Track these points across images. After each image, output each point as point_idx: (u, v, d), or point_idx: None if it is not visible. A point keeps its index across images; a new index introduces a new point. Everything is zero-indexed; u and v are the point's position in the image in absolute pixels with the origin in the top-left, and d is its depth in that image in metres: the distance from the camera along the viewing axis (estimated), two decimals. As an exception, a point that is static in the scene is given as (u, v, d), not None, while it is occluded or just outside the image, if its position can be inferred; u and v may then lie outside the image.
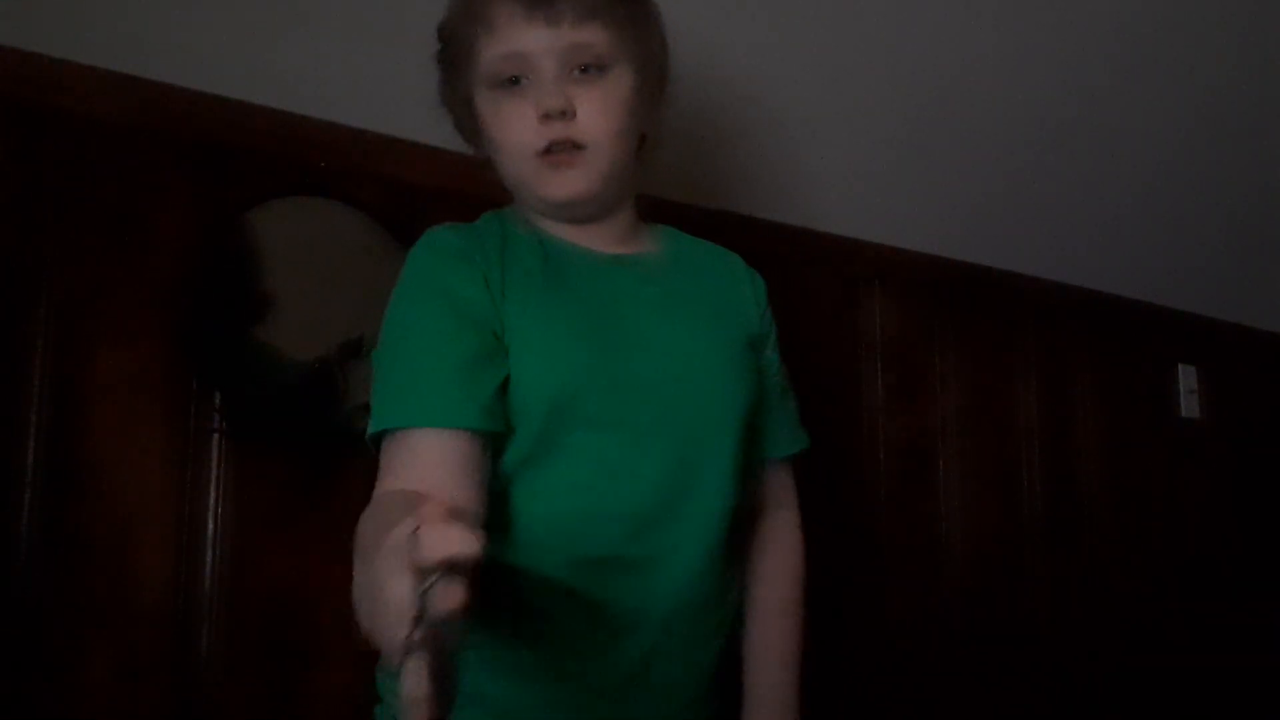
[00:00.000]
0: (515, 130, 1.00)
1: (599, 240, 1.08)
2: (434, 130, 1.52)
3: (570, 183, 1.01)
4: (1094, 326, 2.28)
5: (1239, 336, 2.54)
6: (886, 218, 1.94)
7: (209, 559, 1.32)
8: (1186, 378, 2.42)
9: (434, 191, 1.53)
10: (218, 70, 1.35)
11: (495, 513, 0.95)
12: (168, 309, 1.33)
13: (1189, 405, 2.42)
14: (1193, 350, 2.45)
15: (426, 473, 0.88)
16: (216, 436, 1.34)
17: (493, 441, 0.95)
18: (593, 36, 0.98)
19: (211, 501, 1.33)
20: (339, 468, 1.41)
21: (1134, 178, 2.05)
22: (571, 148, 0.99)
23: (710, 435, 1.03)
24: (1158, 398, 2.39)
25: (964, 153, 1.89)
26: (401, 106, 1.48)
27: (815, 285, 1.91)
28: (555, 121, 0.98)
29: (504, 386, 0.95)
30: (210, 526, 1.32)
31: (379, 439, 0.94)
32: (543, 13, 0.96)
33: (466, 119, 1.07)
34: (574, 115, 0.98)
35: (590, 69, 0.99)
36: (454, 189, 1.55)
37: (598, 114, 0.99)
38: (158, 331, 1.32)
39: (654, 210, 1.72)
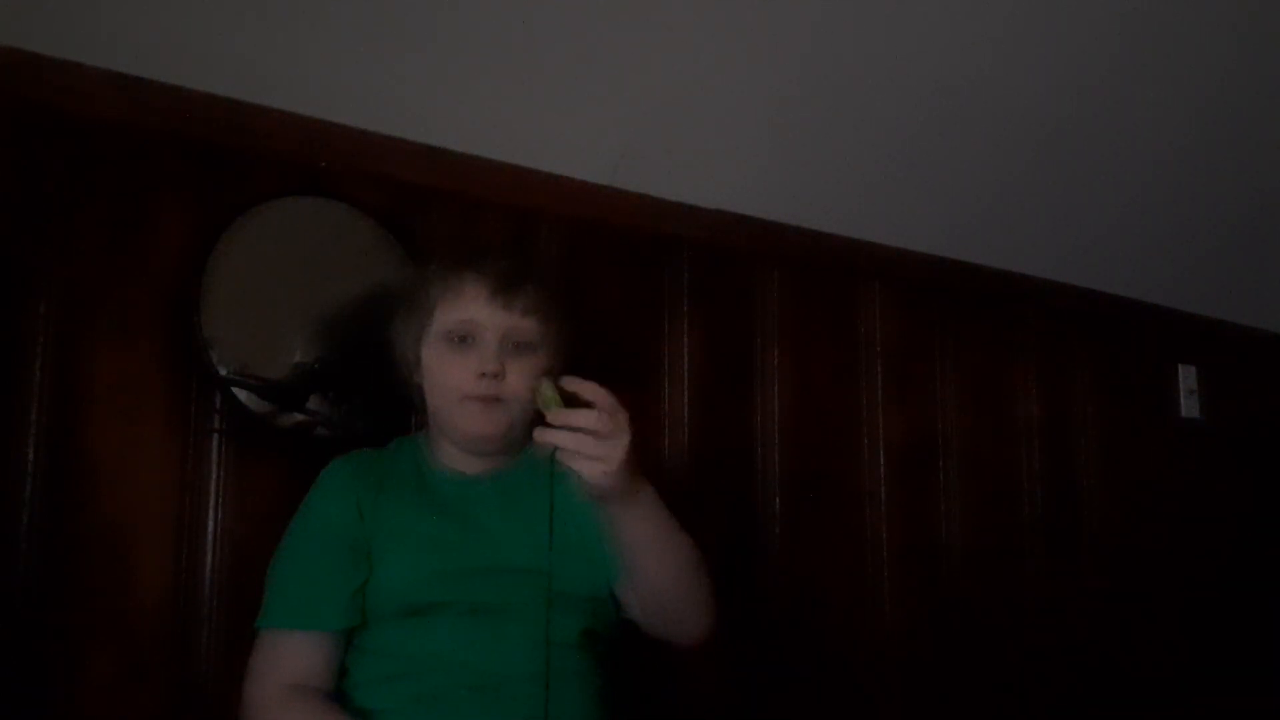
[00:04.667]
0: (455, 377, 1.26)
1: (472, 464, 1.32)
2: (434, 130, 1.53)
3: (488, 424, 1.26)
4: (1094, 326, 2.28)
5: (1239, 336, 2.54)
6: (886, 218, 1.93)
7: (209, 559, 1.32)
8: (1186, 378, 2.42)
9: (434, 191, 1.54)
10: (218, 70, 1.35)
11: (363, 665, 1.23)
12: (168, 309, 1.33)
13: (1189, 405, 2.42)
14: (1193, 350, 2.45)
15: (296, 666, 1.19)
16: (216, 436, 1.34)
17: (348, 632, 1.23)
18: (530, 325, 1.27)
19: (211, 501, 1.33)
20: (339, 468, 1.41)
21: (1134, 178, 2.05)
22: (495, 400, 1.25)
23: (542, 614, 1.22)
24: (1158, 398, 2.39)
25: (964, 153, 1.89)
26: (401, 106, 1.49)
27: (815, 285, 1.91)
28: (488, 380, 1.24)
29: (361, 591, 1.22)
30: (210, 526, 1.32)
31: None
32: (501, 299, 1.26)
33: (410, 352, 1.31)
34: (504, 377, 1.25)
35: (522, 346, 1.27)
36: (453, 189, 1.56)
37: (520, 378, 1.25)
38: (158, 331, 1.32)
39: (660, 211, 1.73)
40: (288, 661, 1.19)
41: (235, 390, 1.34)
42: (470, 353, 1.25)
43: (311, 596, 1.22)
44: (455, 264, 1.31)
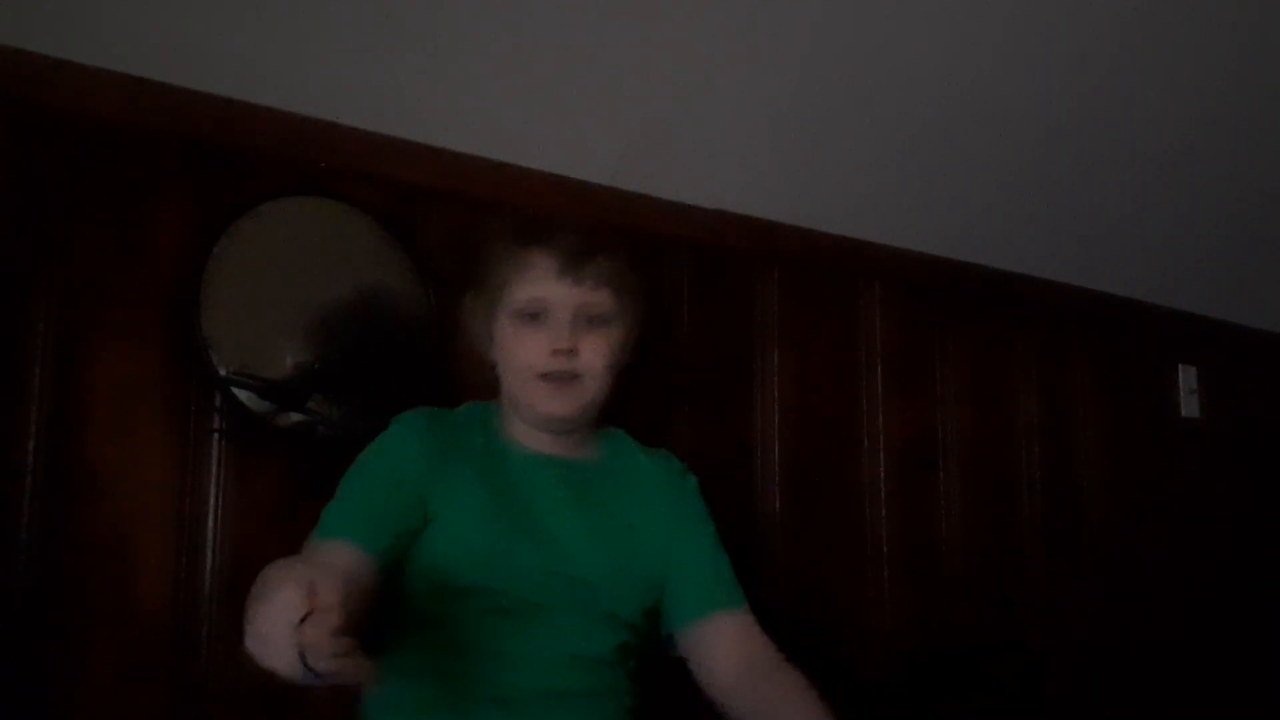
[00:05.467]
0: (527, 354, 1.24)
1: (544, 443, 1.30)
2: (434, 130, 1.53)
3: (563, 404, 1.25)
4: (1094, 326, 2.28)
5: (1239, 336, 2.54)
6: (886, 218, 1.93)
7: (209, 559, 1.32)
8: (1186, 378, 2.42)
9: (434, 191, 1.54)
10: (218, 70, 1.35)
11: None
12: (168, 309, 1.33)
13: (1189, 405, 2.42)
14: (1193, 350, 2.45)
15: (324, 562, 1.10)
16: (216, 436, 1.34)
17: (381, 575, 1.16)
18: (603, 298, 1.26)
19: (211, 501, 1.33)
20: (339, 468, 1.41)
21: (1134, 177, 2.05)
22: (571, 377, 1.24)
23: (582, 625, 1.22)
24: (1158, 398, 2.39)
25: (964, 153, 1.89)
26: (401, 106, 1.49)
27: (815, 285, 1.91)
28: (561, 356, 1.23)
29: (408, 535, 1.19)
30: (210, 526, 1.32)
31: None
32: (571, 275, 1.24)
33: (484, 330, 1.30)
34: (578, 353, 1.24)
35: (595, 320, 1.25)
36: (453, 189, 1.56)
37: (595, 355, 1.25)
38: (158, 331, 1.32)
39: (660, 211, 1.73)
40: (315, 556, 1.13)
41: (235, 390, 1.34)
42: (542, 329, 1.24)
43: (361, 513, 1.19)
44: (524, 239, 1.28)
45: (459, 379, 1.51)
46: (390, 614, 1.20)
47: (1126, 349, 2.34)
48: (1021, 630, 2.05)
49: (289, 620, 0.81)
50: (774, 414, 1.82)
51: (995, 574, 2.04)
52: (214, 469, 1.33)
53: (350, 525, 1.17)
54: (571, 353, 1.23)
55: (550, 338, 1.23)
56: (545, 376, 1.24)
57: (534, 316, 1.25)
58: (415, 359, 1.48)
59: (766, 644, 1.30)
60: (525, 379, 1.25)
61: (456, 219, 1.56)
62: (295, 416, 1.38)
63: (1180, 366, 2.42)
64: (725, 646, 1.29)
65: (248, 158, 1.40)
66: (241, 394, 1.34)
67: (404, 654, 1.19)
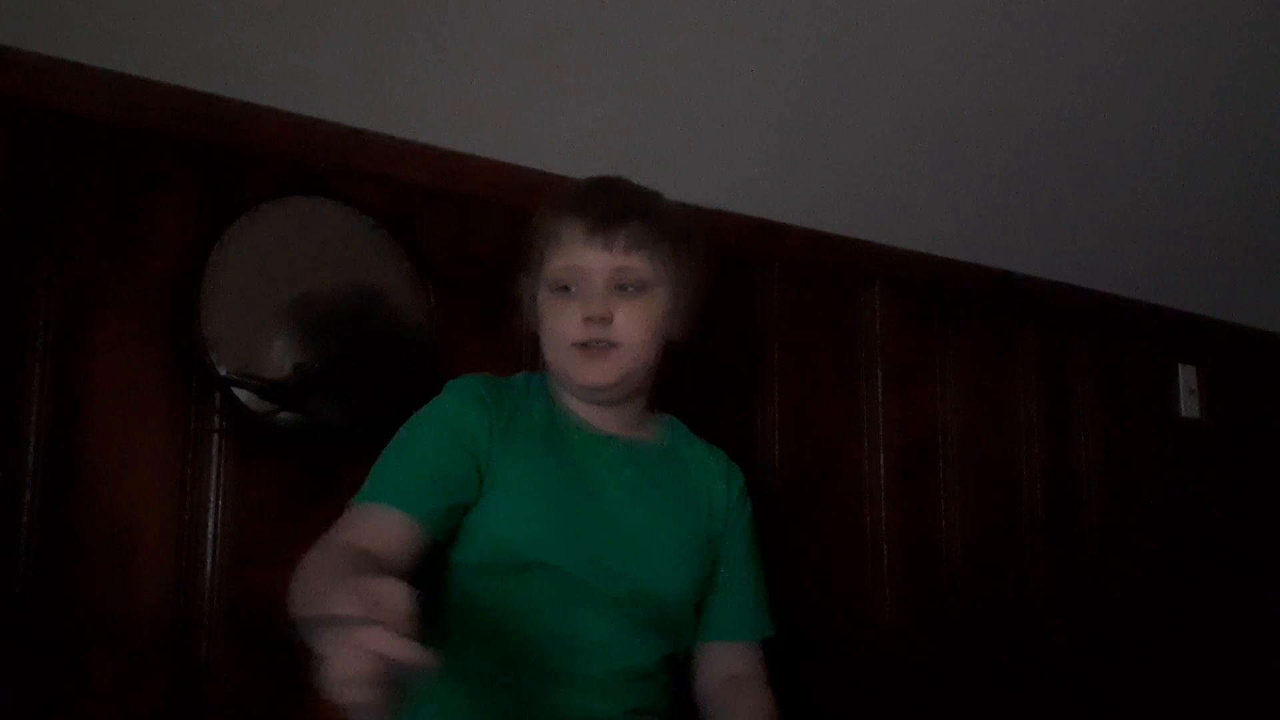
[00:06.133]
0: (561, 324, 1.21)
1: (603, 420, 1.27)
2: (434, 130, 1.53)
3: (598, 373, 1.21)
4: (1094, 326, 2.28)
5: (1239, 336, 2.54)
6: (886, 218, 1.93)
7: (209, 559, 1.32)
8: (1186, 378, 2.42)
9: (434, 191, 1.54)
10: (218, 70, 1.35)
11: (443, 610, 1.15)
12: (168, 309, 1.33)
13: (1189, 405, 2.42)
14: (1193, 350, 2.45)
15: (375, 536, 1.08)
16: (216, 436, 1.34)
17: (430, 544, 1.13)
18: (637, 263, 1.21)
19: (211, 501, 1.33)
20: (339, 468, 1.41)
21: (1134, 178, 2.04)
22: (606, 345, 1.20)
23: (640, 610, 1.20)
24: (1158, 398, 2.39)
25: (964, 153, 1.89)
26: (401, 106, 1.49)
27: (815, 285, 1.91)
28: (594, 324, 1.19)
29: (461, 506, 1.16)
30: (210, 526, 1.32)
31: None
32: (600, 238, 1.20)
33: (531, 308, 1.28)
34: (611, 320, 1.20)
35: (629, 288, 1.21)
36: (453, 189, 1.56)
37: (631, 322, 1.21)
38: (158, 331, 1.32)
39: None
40: (362, 528, 1.10)
41: (235, 390, 1.34)
42: (575, 299, 1.21)
43: (414, 478, 1.14)
44: (557, 207, 1.25)
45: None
46: (431, 584, 1.15)
47: (1126, 349, 2.34)
48: (1021, 630, 2.05)
49: (362, 671, 0.74)
50: (774, 414, 1.82)
51: (995, 574, 2.04)
52: (214, 469, 1.33)
53: (401, 491, 1.13)
54: (604, 320, 1.19)
55: (582, 306, 1.20)
56: (579, 345, 1.20)
57: (567, 287, 1.21)
58: (415, 359, 1.48)
59: (759, 672, 1.31)
60: (561, 349, 1.22)
61: (456, 219, 1.56)
62: (295, 416, 1.38)
63: (1180, 366, 2.42)
64: (726, 663, 1.30)
65: (247, 158, 1.40)
66: (241, 394, 1.34)
67: (450, 626, 1.14)
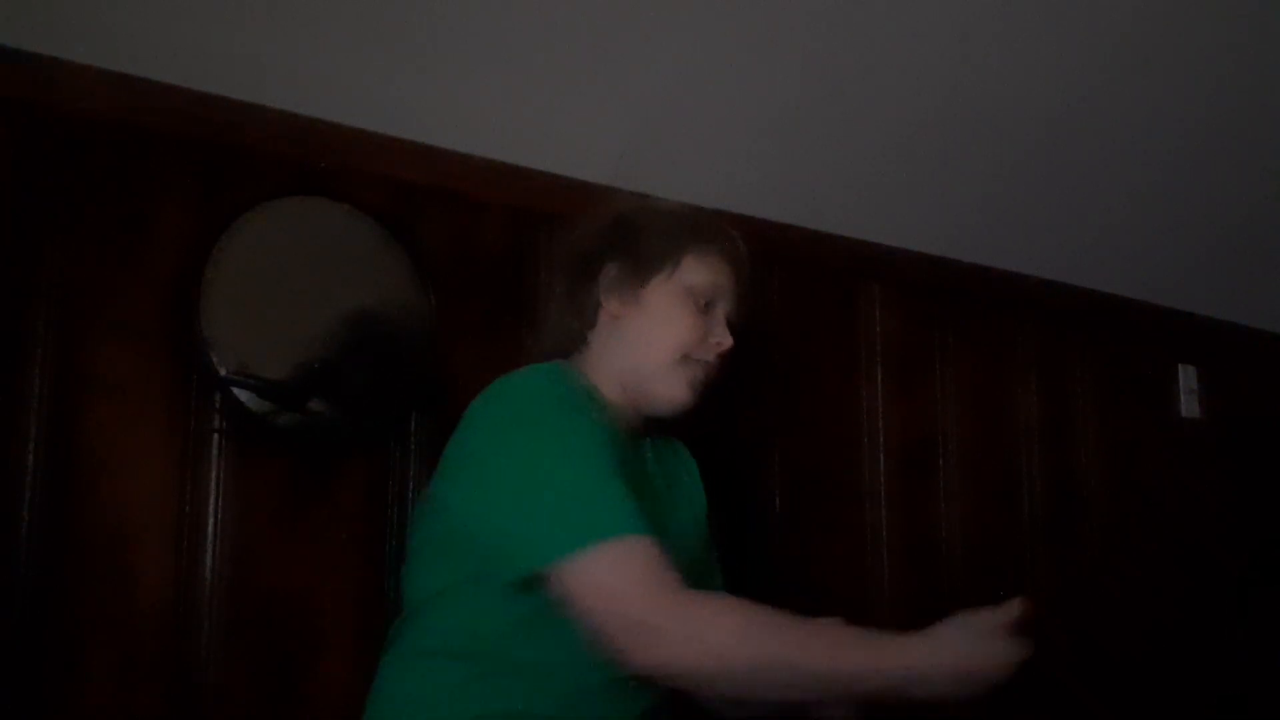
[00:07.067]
0: (688, 334, 1.22)
1: (635, 419, 1.25)
2: (434, 130, 1.53)
3: (689, 393, 1.22)
4: (1094, 326, 2.28)
5: (1239, 336, 2.54)
6: (886, 218, 1.93)
7: (209, 559, 1.32)
8: (1186, 378, 2.42)
9: (434, 191, 1.54)
10: (218, 70, 1.35)
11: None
12: (168, 309, 1.33)
13: (1189, 405, 2.42)
14: (1193, 350, 2.44)
15: (655, 562, 1.03)
16: (216, 436, 1.34)
17: None
18: (740, 314, 1.28)
19: (211, 501, 1.33)
20: (339, 468, 1.41)
21: (1134, 177, 2.05)
22: (709, 372, 1.24)
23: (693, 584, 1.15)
24: (1158, 398, 2.39)
25: (963, 153, 1.89)
26: (402, 106, 1.48)
27: (815, 285, 1.91)
28: (712, 349, 1.23)
29: None
30: (210, 526, 1.32)
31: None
32: (741, 287, 1.27)
33: (628, 290, 1.23)
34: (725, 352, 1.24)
35: (731, 326, 1.26)
36: (453, 189, 1.56)
37: (722, 360, 1.25)
38: (158, 331, 1.32)
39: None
40: (664, 562, 1.02)
41: (235, 390, 1.34)
42: (711, 318, 1.24)
43: (634, 500, 1.06)
44: (715, 226, 1.29)
45: (458, 379, 1.51)
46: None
47: (1126, 349, 2.33)
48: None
49: None
50: (774, 414, 1.82)
51: (995, 574, 2.04)
52: (214, 469, 1.33)
53: (638, 515, 1.05)
54: (724, 351, 1.24)
55: (715, 329, 1.23)
56: (686, 360, 1.22)
57: (706, 304, 1.24)
58: (415, 359, 1.48)
59: None
60: (667, 355, 1.21)
61: (456, 219, 1.55)
62: (295, 416, 1.38)
63: (1180, 366, 2.42)
64: None
65: (248, 158, 1.40)
66: (241, 394, 1.34)
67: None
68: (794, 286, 1.88)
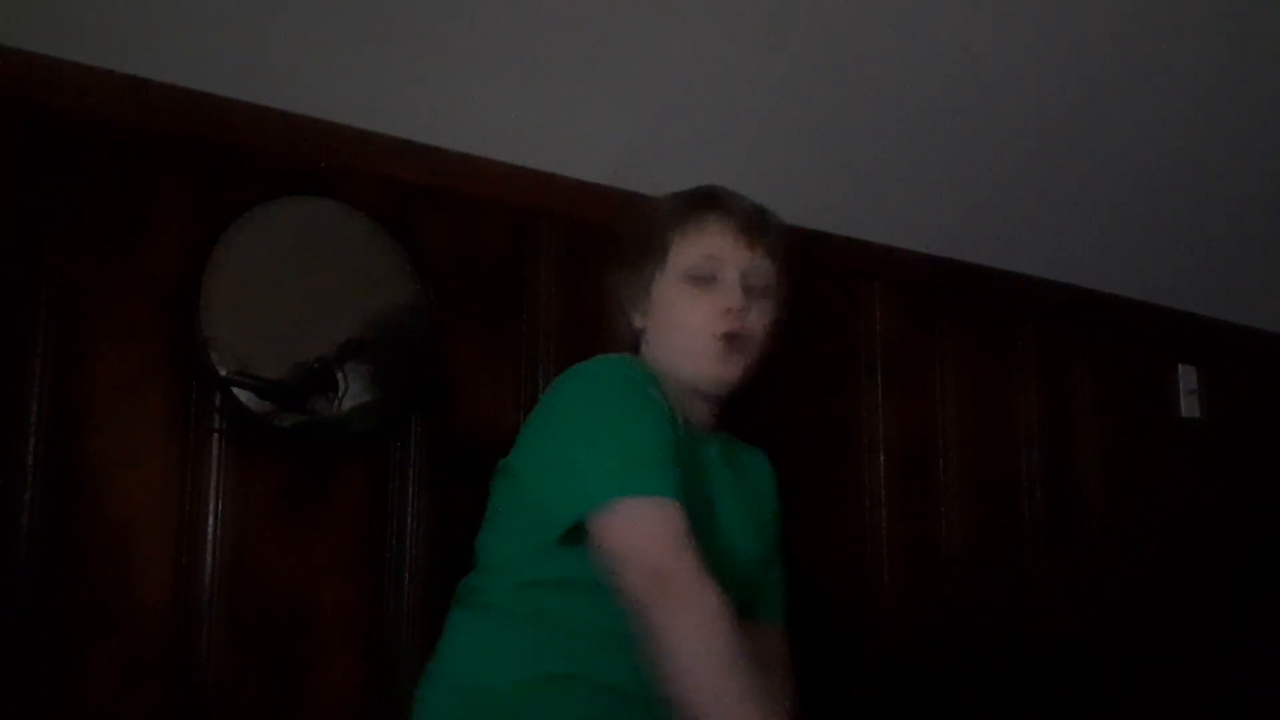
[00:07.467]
0: (700, 315, 1.22)
1: (699, 415, 1.27)
2: (434, 130, 1.53)
3: (735, 366, 1.23)
4: (1094, 326, 2.28)
5: (1239, 336, 2.54)
6: (886, 218, 1.93)
7: (209, 559, 1.32)
8: (1186, 378, 2.42)
9: (434, 191, 1.54)
10: (218, 70, 1.35)
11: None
12: (168, 309, 1.33)
13: (1189, 405, 2.42)
14: (1193, 350, 2.44)
15: (691, 540, 1.05)
16: (216, 436, 1.34)
17: None
18: (768, 268, 1.26)
19: (211, 501, 1.33)
20: (339, 468, 1.41)
21: (1134, 178, 2.05)
22: (741, 339, 1.22)
23: (744, 595, 1.19)
24: (1158, 398, 2.39)
25: (963, 153, 1.89)
26: (401, 106, 1.49)
27: (815, 285, 1.91)
28: (735, 316, 1.21)
29: None
30: (210, 526, 1.32)
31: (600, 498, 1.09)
32: (746, 238, 1.23)
33: (639, 296, 1.27)
34: (747, 315, 1.22)
35: (758, 291, 1.24)
36: (453, 189, 1.56)
37: (759, 322, 1.24)
38: (158, 331, 1.32)
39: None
40: (688, 536, 1.05)
41: (235, 390, 1.34)
42: (714, 290, 1.22)
43: (672, 468, 1.10)
44: (697, 203, 1.27)
45: (458, 379, 1.51)
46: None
47: (1126, 349, 2.34)
48: (1021, 630, 2.05)
49: None
50: (773, 414, 1.82)
51: (995, 574, 2.04)
52: (214, 469, 1.33)
53: (672, 482, 1.09)
54: (745, 313, 1.22)
55: (724, 297, 1.21)
56: (722, 338, 1.21)
57: (705, 279, 1.23)
58: (415, 359, 1.48)
59: (784, 653, 1.34)
60: (700, 340, 1.22)
61: (456, 219, 1.56)
62: (295, 416, 1.38)
63: (1180, 366, 2.42)
64: (755, 642, 1.29)
65: (247, 158, 1.40)
66: (241, 394, 1.34)
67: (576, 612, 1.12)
68: (794, 286, 1.87)
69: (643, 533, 1.06)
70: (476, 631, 1.19)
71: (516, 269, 1.59)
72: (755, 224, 1.24)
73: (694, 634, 1.01)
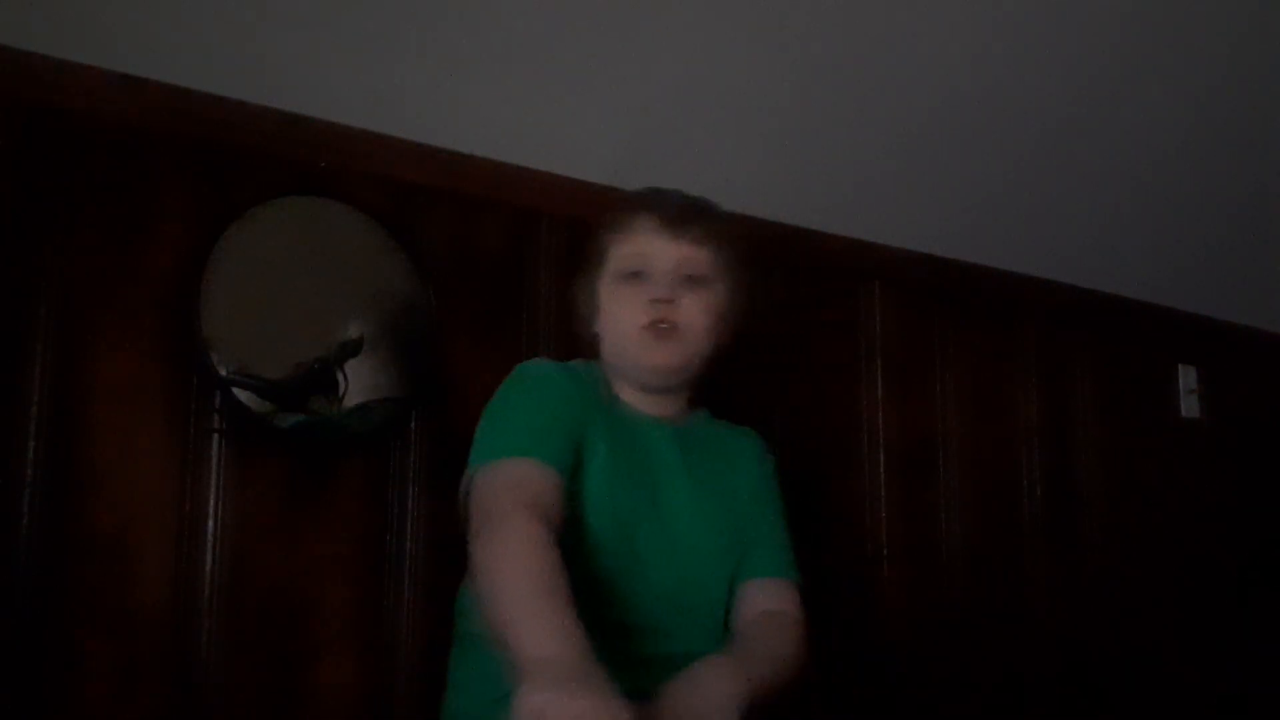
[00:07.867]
0: (628, 309, 1.26)
1: (654, 407, 1.31)
2: (434, 130, 1.53)
3: (665, 353, 1.26)
4: (1094, 326, 2.28)
5: (1239, 336, 2.54)
6: (886, 218, 1.93)
7: (209, 559, 1.32)
8: (1186, 378, 2.42)
9: (434, 191, 1.54)
10: (218, 70, 1.35)
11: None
12: (168, 309, 1.33)
13: (1189, 405, 2.42)
14: (1193, 350, 2.45)
15: (537, 490, 1.11)
16: (216, 437, 1.34)
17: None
18: (702, 256, 1.28)
19: (211, 501, 1.33)
20: (339, 468, 1.41)
21: (1134, 178, 2.05)
22: (671, 327, 1.25)
23: (692, 577, 1.26)
24: (1158, 398, 2.39)
25: (964, 153, 1.89)
26: (401, 106, 1.49)
27: (815, 285, 1.91)
28: (661, 306, 1.24)
29: (575, 467, 1.19)
30: (210, 526, 1.32)
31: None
32: (670, 230, 1.26)
33: (589, 302, 1.32)
34: (677, 304, 1.25)
35: (695, 280, 1.27)
36: (453, 189, 1.56)
37: (694, 309, 1.26)
38: (158, 331, 1.32)
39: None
40: (528, 484, 1.12)
41: (235, 390, 1.34)
42: (642, 284, 1.26)
43: (545, 435, 1.17)
44: (626, 206, 1.31)
45: (458, 379, 1.51)
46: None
47: (1126, 349, 2.34)
48: (1021, 630, 2.05)
49: None
50: (774, 414, 1.82)
51: (995, 574, 2.04)
52: (214, 469, 1.33)
53: (540, 445, 1.16)
54: (671, 303, 1.24)
55: (650, 289, 1.25)
56: (647, 327, 1.25)
57: (635, 275, 1.26)
58: (415, 358, 1.48)
59: (792, 608, 1.34)
60: (629, 333, 1.26)
61: (456, 219, 1.56)
62: (295, 416, 1.38)
63: (1180, 366, 2.42)
64: (761, 600, 1.32)
65: (247, 158, 1.40)
66: (241, 394, 1.34)
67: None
68: (794, 286, 1.88)
69: (487, 483, 1.13)
70: (455, 658, 1.28)
71: (516, 268, 1.59)
72: (681, 217, 1.27)
73: (500, 557, 1.04)
